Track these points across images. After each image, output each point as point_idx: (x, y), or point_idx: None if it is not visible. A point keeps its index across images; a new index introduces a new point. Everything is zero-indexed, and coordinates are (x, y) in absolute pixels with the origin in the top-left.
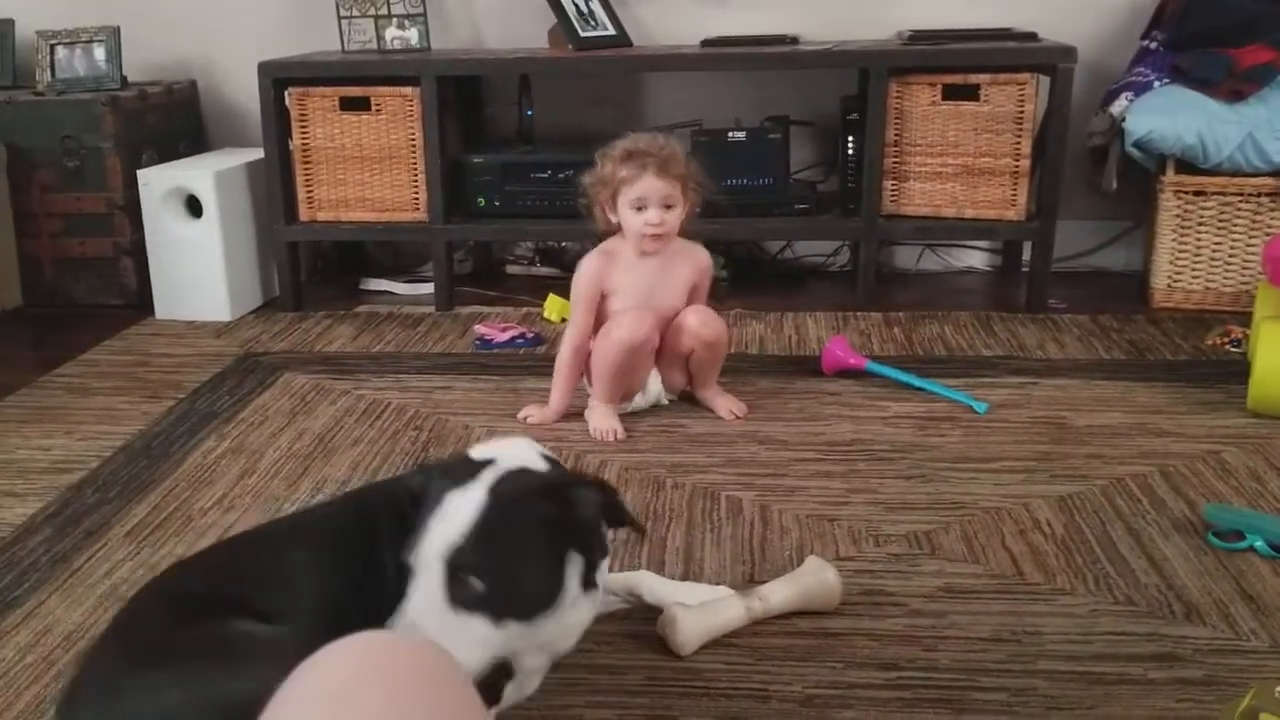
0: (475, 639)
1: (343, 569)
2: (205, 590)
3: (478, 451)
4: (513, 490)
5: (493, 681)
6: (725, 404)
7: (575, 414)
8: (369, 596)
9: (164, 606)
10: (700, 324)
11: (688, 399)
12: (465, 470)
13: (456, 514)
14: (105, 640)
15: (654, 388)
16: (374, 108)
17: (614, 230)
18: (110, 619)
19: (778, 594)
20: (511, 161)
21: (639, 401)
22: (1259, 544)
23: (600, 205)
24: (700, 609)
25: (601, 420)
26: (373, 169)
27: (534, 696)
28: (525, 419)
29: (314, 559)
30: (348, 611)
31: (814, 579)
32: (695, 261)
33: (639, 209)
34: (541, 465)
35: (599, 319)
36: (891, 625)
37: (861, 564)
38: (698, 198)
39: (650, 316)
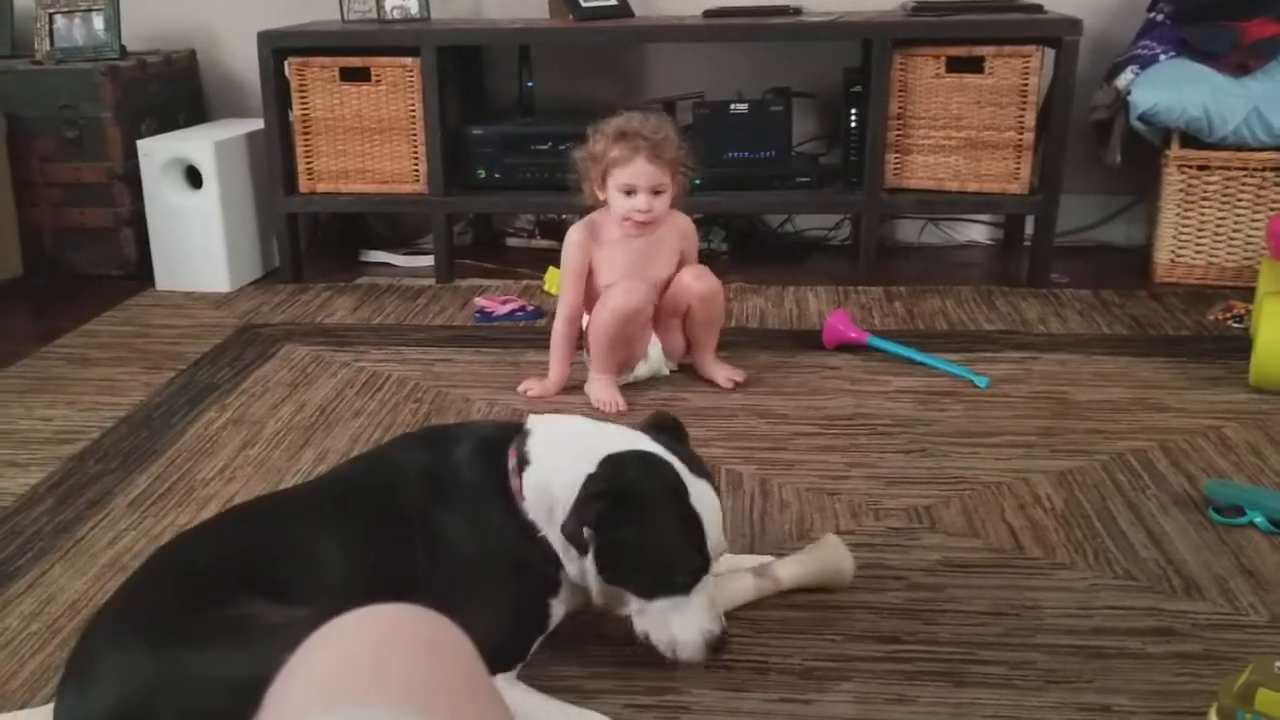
0: None
1: (365, 539)
2: (219, 565)
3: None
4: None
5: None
6: (724, 372)
7: (575, 386)
8: (395, 566)
9: (177, 583)
10: (695, 278)
11: (687, 370)
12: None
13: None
14: (114, 614)
15: (654, 355)
16: (374, 78)
17: (601, 205)
18: (117, 587)
19: (787, 571)
20: (512, 133)
21: (640, 370)
22: (1259, 519)
23: (590, 182)
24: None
25: (602, 392)
26: (372, 140)
27: (534, 665)
28: (525, 392)
29: (334, 528)
30: (372, 583)
31: (825, 558)
32: (679, 230)
33: (628, 193)
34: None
35: (589, 292)
36: (891, 599)
37: (861, 538)
38: (687, 181)
39: (643, 286)
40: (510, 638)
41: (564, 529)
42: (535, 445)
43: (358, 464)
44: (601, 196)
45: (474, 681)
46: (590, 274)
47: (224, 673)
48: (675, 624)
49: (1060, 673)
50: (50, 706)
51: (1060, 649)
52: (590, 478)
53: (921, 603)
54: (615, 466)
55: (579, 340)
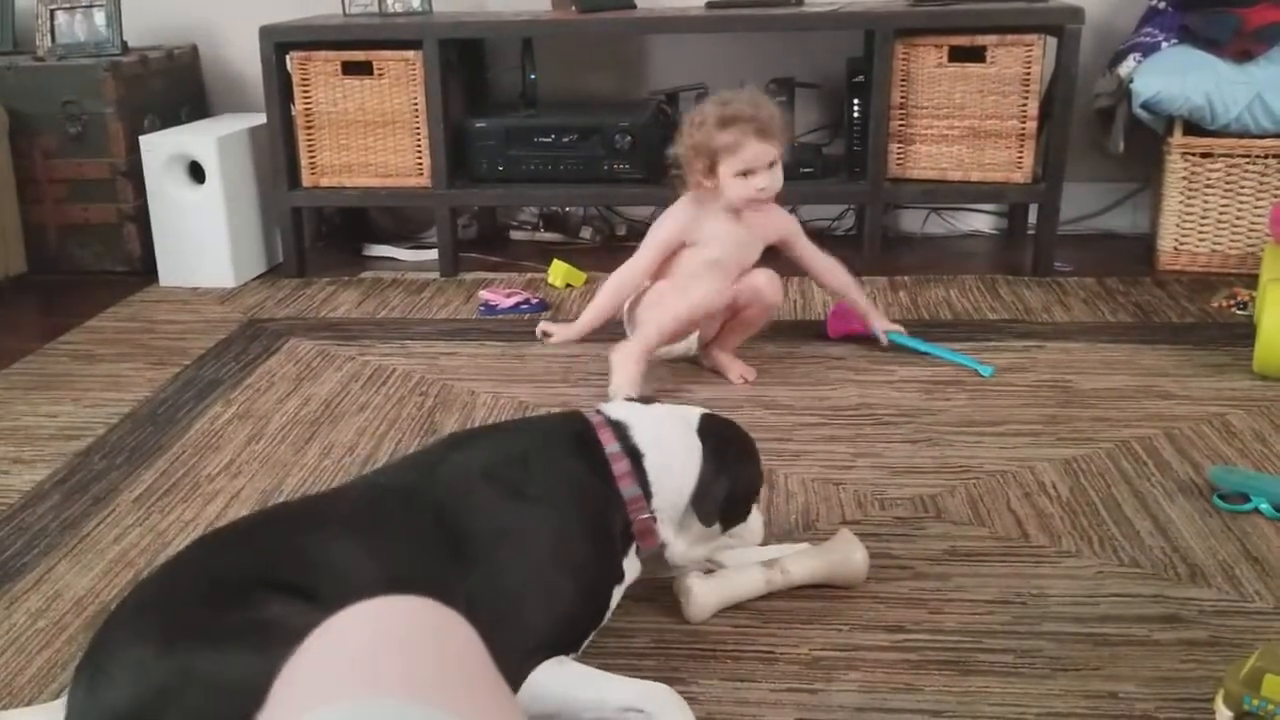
0: None
1: (406, 547)
2: (246, 568)
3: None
4: None
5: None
6: (737, 368)
7: (583, 380)
8: (436, 576)
9: (202, 581)
10: (767, 284)
11: (694, 361)
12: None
13: None
14: (135, 608)
15: (692, 336)
16: (376, 72)
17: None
18: (140, 580)
19: (800, 566)
20: (515, 126)
21: (679, 348)
22: (1264, 506)
23: (695, 173)
24: (717, 579)
25: (625, 376)
26: (375, 134)
27: None
28: (543, 335)
29: (374, 535)
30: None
31: (839, 555)
32: (777, 225)
33: (745, 175)
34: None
35: (669, 265)
36: (897, 588)
37: (867, 528)
38: (785, 145)
39: (729, 290)
40: (578, 623)
41: (712, 503)
42: (642, 436)
43: (411, 469)
44: (710, 186)
45: (481, 674)
46: (683, 246)
47: (236, 677)
48: (753, 525)
49: (1067, 660)
50: (56, 703)
51: (1066, 637)
52: (711, 453)
53: (928, 592)
54: (717, 432)
55: (623, 300)
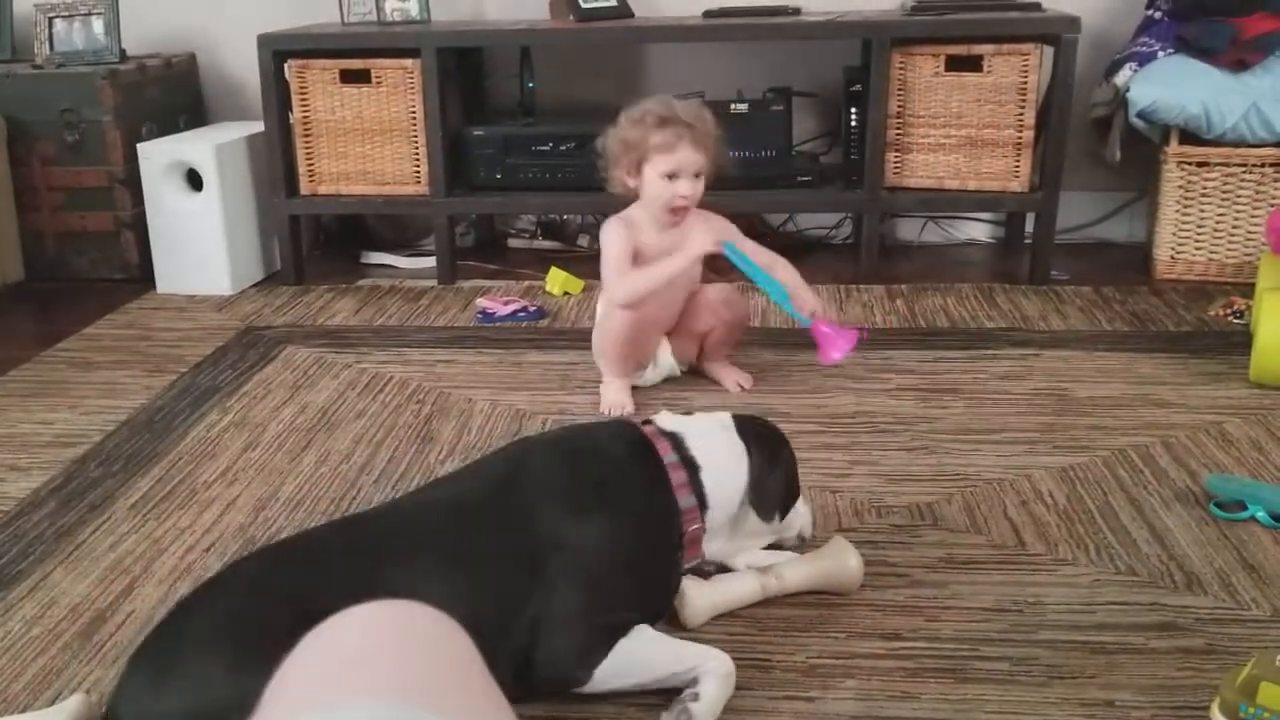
0: None
1: (491, 572)
2: (330, 599)
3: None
4: None
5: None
6: (732, 376)
7: (580, 387)
8: (523, 596)
9: (283, 611)
10: (724, 303)
11: (692, 371)
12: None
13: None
14: (216, 619)
15: (665, 361)
16: (374, 80)
17: (631, 195)
18: (218, 578)
19: (794, 573)
20: (513, 134)
21: (650, 375)
22: (1260, 514)
23: (621, 169)
24: (712, 584)
25: (613, 395)
26: (373, 142)
27: None
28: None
29: (457, 564)
30: (494, 609)
31: (834, 562)
32: (712, 230)
33: (670, 178)
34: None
35: None
36: (894, 596)
37: (864, 535)
38: (716, 165)
39: (631, 315)
40: (655, 600)
41: (770, 497)
42: (697, 447)
43: (487, 484)
44: (631, 184)
45: (475, 678)
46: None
47: None
48: (802, 511)
49: (1063, 668)
50: (52, 710)
51: (1063, 644)
52: (756, 451)
53: (924, 600)
54: (755, 430)
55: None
